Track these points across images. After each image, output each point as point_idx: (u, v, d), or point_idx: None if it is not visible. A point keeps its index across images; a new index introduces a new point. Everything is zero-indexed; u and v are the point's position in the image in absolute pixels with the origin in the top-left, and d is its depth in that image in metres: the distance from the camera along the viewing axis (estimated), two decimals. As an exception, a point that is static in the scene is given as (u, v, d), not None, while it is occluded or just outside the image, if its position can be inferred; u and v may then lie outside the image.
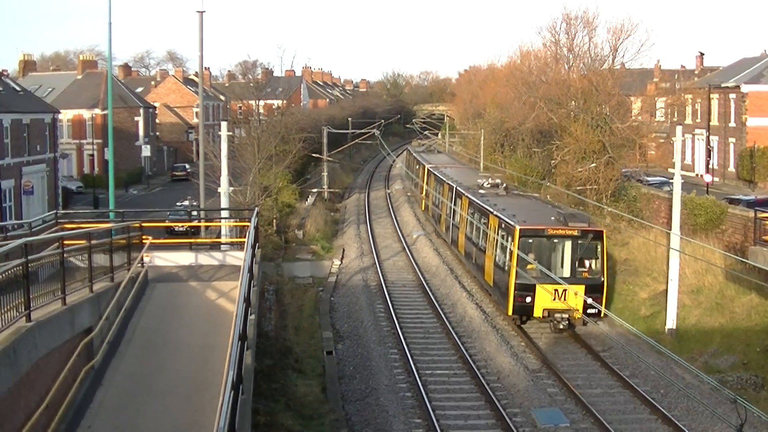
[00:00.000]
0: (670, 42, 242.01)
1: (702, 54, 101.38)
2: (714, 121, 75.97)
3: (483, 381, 30.07)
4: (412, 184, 76.34)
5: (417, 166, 74.50)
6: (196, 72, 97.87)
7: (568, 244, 35.03)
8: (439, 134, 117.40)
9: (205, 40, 74.88)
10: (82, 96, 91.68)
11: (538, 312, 34.83)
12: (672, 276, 35.52)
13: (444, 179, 56.82)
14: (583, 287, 34.03)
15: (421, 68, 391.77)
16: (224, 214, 38.55)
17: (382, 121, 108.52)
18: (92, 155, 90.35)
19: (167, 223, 43.80)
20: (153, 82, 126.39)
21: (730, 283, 36.78)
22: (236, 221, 36.93)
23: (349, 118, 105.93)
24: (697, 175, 74.49)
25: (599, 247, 35.04)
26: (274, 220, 58.58)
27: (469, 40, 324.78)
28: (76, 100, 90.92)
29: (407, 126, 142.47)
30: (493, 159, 73.95)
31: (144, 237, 26.80)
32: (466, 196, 47.23)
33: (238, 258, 27.44)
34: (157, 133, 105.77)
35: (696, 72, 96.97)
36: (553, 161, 58.41)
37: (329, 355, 33.64)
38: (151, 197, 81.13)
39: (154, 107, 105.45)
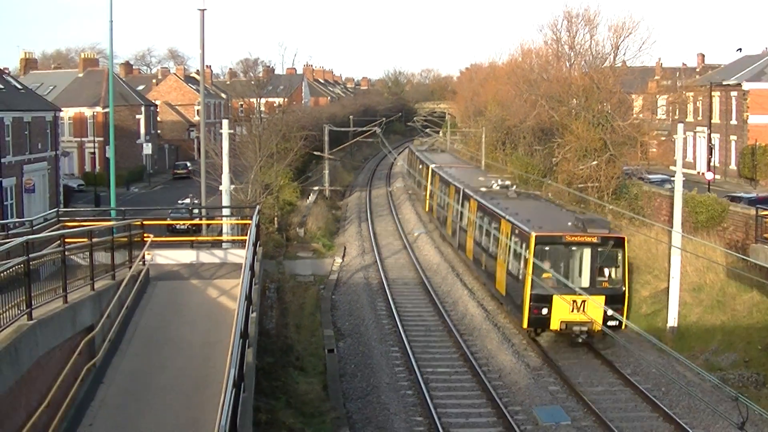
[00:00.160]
0: (672, 40, 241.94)
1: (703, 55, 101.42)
2: (715, 119, 75.90)
3: (484, 379, 30.07)
4: (414, 183, 75.52)
5: (420, 166, 72.66)
6: (198, 70, 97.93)
7: (587, 252, 32.77)
8: (441, 132, 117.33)
9: (206, 38, 74.96)
10: (84, 94, 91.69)
11: (555, 324, 32.61)
12: (673, 274, 35.49)
13: (450, 180, 54.59)
14: (603, 298, 31.82)
15: (423, 66, 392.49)
16: (225, 212, 38.54)
17: (384, 119, 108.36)
18: (93, 153, 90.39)
19: (168, 221, 43.74)
20: (154, 80, 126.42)
21: (731, 280, 36.76)
22: (238, 219, 36.94)
23: (351, 116, 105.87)
24: (698, 172, 74.54)
25: (620, 254, 32.85)
26: (276, 218, 58.61)
27: (471, 37, 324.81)
28: (77, 98, 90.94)
29: (408, 124, 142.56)
30: (494, 157, 73.97)
31: (145, 235, 26.80)
32: (475, 199, 44.87)
33: (239, 256, 27.44)
34: (159, 131, 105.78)
35: (697, 70, 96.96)
36: (554, 159, 58.41)
37: (330, 353, 33.64)
38: (152, 195, 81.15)
39: (156, 105, 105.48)
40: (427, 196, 64.88)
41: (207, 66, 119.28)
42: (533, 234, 32.78)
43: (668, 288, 35.78)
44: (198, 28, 44.66)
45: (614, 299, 32.06)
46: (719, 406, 26.15)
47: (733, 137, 73.53)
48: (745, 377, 29.54)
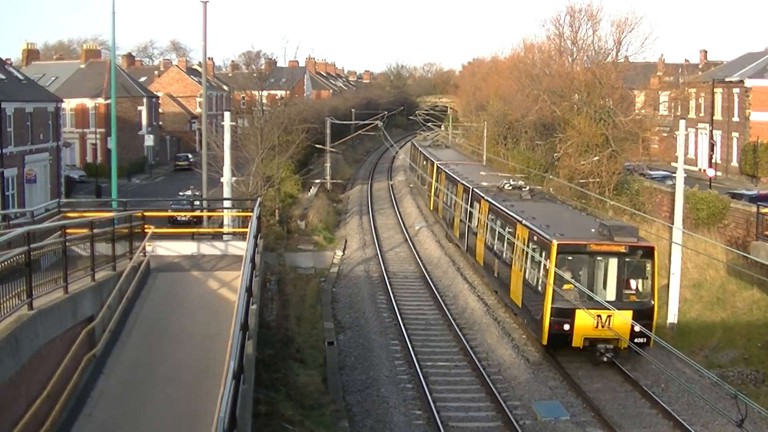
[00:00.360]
0: (674, 36, 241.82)
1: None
2: (717, 116, 75.91)
3: (484, 373, 30.10)
4: (417, 179, 74.37)
5: (424, 162, 70.08)
6: (200, 62, 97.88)
7: (614, 262, 30.09)
8: (442, 126, 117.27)
9: (208, 30, 74.78)
10: (86, 85, 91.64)
11: (577, 341, 29.98)
12: (674, 270, 35.50)
13: (458, 179, 51.80)
14: (630, 312, 29.16)
15: (425, 60, 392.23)
16: (227, 204, 38.56)
17: (386, 112, 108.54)
18: (95, 144, 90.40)
19: (170, 213, 43.78)
20: (156, 72, 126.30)
21: (731, 277, 36.80)
22: (239, 211, 36.95)
23: (353, 110, 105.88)
24: (700, 169, 74.53)
25: (649, 265, 30.17)
26: (277, 211, 58.65)
27: (473, 32, 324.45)
28: (79, 89, 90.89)
29: (410, 118, 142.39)
30: (495, 151, 73.97)
31: (146, 226, 26.81)
32: (486, 200, 42.01)
33: (240, 248, 27.45)
34: (160, 123, 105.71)
35: (700, 66, 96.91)
36: (556, 154, 58.46)
37: (330, 346, 33.68)
38: (153, 187, 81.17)
39: (158, 97, 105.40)
40: (432, 194, 62.39)
41: (209, 58, 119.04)
42: (555, 242, 30.16)
43: (668, 284, 35.79)
44: (200, 20, 44.60)
45: (642, 314, 29.47)
46: (718, 403, 26.18)
47: (734, 134, 73.49)
48: (745, 374, 29.58)
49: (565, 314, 29.69)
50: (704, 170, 69.65)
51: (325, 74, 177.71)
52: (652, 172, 62.40)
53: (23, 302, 14.48)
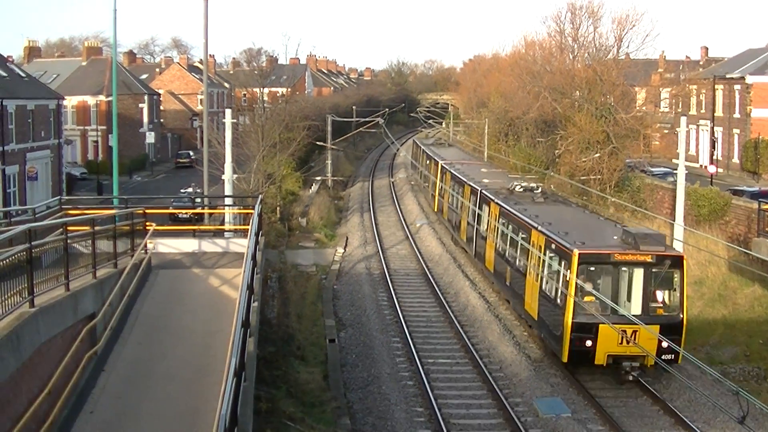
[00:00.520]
0: (675, 32, 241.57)
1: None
2: (718, 112, 75.90)
3: (485, 370, 30.10)
4: (420, 177, 73.32)
5: (427, 161, 67.91)
6: (201, 59, 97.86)
7: (639, 273, 27.95)
8: (443, 123, 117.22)
9: (209, 27, 74.74)
10: (87, 82, 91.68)
11: (600, 359, 27.96)
12: (675, 267, 35.37)
13: (464, 180, 49.41)
14: (657, 327, 27.01)
15: (426, 57, 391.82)
16: (228, 201, 38.57)
17: (387, 109, 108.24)
18: (96, 142, 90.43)
19: (171, 210, 43.77)
20: (157, 69, 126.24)
21: (733, 274, 36.80)
22: (240, 208, 36.98)
23: (354, 107, 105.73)
24: (701, 166, 74.52)
25: (677, 276, 28.03)
26: (278, 208, 58.66)
27: (474, 29, 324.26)
28: (80, 86, 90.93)
29: (411, 115, 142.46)
30: (497, 148, 73.96)
31: (147, 223, 26.81)
32: (496, 203, 39.84)
33: (241, 245, 27.47)
34: (162, 120, 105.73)
35: (701, 63, 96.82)
36: (557, 151, 58.46)
37: (331, 343, 33.68)
38: (154, 184, 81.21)
39: (159, 94, 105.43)
40: (436, 195, 60.04)
41: (210, 55, 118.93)
42: (576, 251, 27.98)
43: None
44: (202, 17, 44.62)
45: (670, 329, 27.17)
46: (720, 400, 26.16)
47: (736, 130, 73.46)
48: (746, 371, 29.57)
49: (588, 329, 27.56)
50: (705, 167, 69.60)
51: (326, 71, 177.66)
52: (653, 169, 62.40)
53: (25, 299, 14.50)
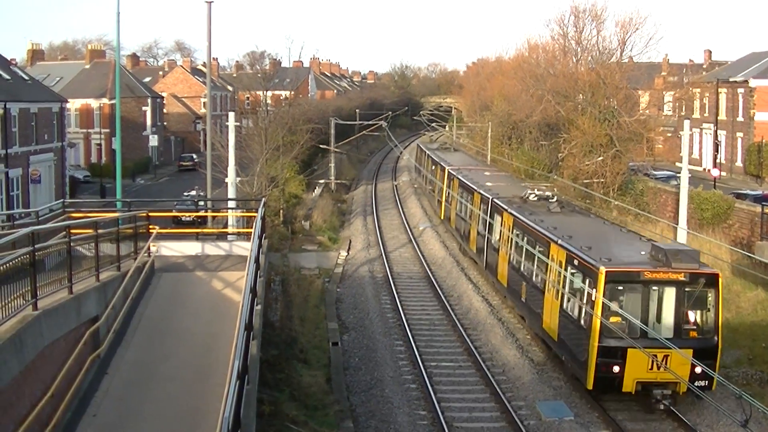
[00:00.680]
0: (679, 36, 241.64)
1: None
2: (722, 116, 75.87)
3: (488, 374, 30.09)
4: (424, 182, 72.15)
5: (433, 167, 65.81)
6: (204, 62, 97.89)
7: (671, 293, 25.92)
8: (447, 127, 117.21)
9: (213, 30, 74.89)
10: (90, 85, 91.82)
11: (629, 385, 25.85)
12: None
13: (474, 187, 47.22)
14: (691, 351, 25.13)
15: (429, 60, 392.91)
16: (231, 204, 38.60)
17: (390, 112, 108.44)
18: (99, 144, 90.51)
19: (174, 213, 43.81)
20: (161, 72, 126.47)
21: (736, 278, 36.75)
22: (243, 211, 37.00)
23: (357, 110, 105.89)
24: (704, 169, 74.48)
25: (712, 295, 26.01)
26: (281, 211, 58.67)
27: (477, 32, 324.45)
28: (83, 89, 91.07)
29: (415, 118, 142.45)
30: (500, 152, 73.91)
31: (151, 227, 26.84)
32: (509, 213, 37.63)
33: (244, 248, 27.47)
34: (165, 123, 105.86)
35: (704, 66, 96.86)
36: (560, 154, 58.42)
37: (335, 346, 33.68)
38: (158, 187, 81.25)
39: (162, 97, 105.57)
40: (443, 202, 57.70)
41: (214, 58, 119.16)
42: (603, 269, 25.88)
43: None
44: (205, 20, 44.64)
45: (704, 353, 25.34)
46: (723, 403, 26.08)
47: (739, 134, 73.41)
48: (749, 375, 29.50)
49: (615, 354, 25.62)
50: (708, 170, 69.56)
51: (329, 74, 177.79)
52: (656, 173, 62.34)
53: (28, 302, 14.51)
